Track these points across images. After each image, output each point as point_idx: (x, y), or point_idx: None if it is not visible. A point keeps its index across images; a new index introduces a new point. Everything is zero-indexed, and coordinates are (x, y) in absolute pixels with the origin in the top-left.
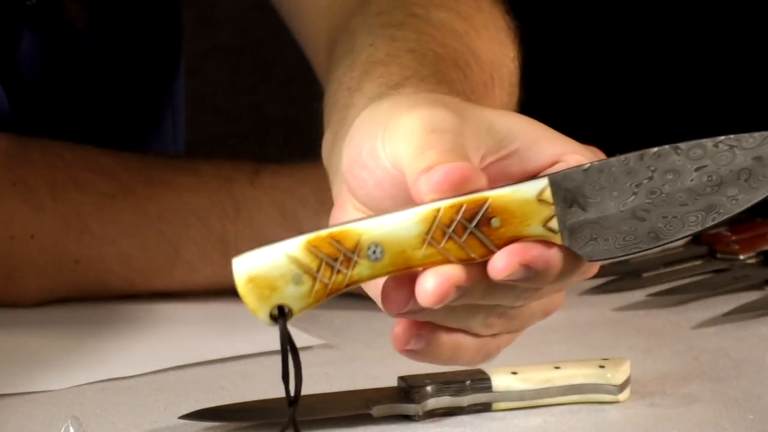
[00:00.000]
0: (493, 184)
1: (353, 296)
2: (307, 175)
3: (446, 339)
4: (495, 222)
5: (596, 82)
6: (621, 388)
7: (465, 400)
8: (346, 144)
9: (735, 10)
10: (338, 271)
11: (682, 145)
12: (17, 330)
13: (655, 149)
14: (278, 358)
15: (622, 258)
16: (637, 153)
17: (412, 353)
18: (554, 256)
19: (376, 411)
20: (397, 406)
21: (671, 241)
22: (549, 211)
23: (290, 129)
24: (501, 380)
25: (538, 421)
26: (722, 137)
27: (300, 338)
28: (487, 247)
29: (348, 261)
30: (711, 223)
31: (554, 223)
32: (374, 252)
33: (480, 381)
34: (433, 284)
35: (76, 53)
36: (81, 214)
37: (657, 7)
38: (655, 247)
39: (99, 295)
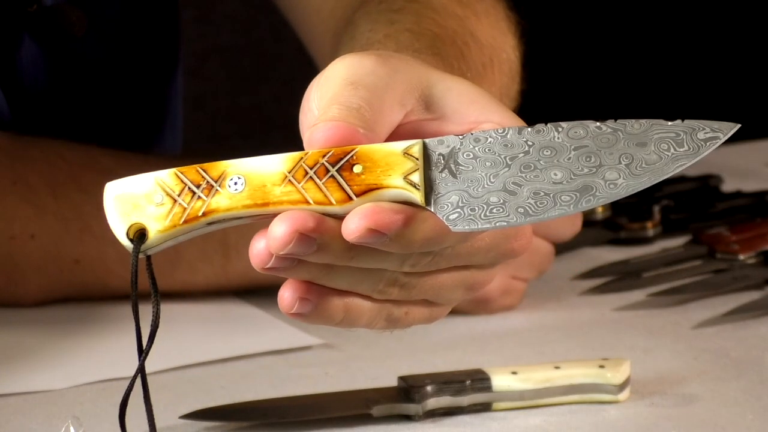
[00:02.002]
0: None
1: None
2: None
3: (337, 302)
4: (357, 168)
5: (597, 76)
6: (621, 388)
7: (465, 400)
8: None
9: (735, 10)
10: (198, 197)
11: (564, 124)
12: (17, 330)
13: (537, 125)
14: (279, 358)
15: (486, 229)
16: (517, 127)
17: (300, 316)
18: (407, 220)
19: (376, 411)
20: (397, 406)
21: (541, 219)
22: (413, 164)
23: (290, 129)
24: (501, 380)
25: (538, 421)
26: (608, 120)
27: (300, 338)
28: (345, 192)
29: (209, 189)
30: (585, 206)
31: (416, 177)
32: (235, 183)
33: (480, 381)
34: (280, 228)
35: (76, 59)
36: (81, 214)
37: (659, 3)
38: (524, 223)
39: (99, 295)
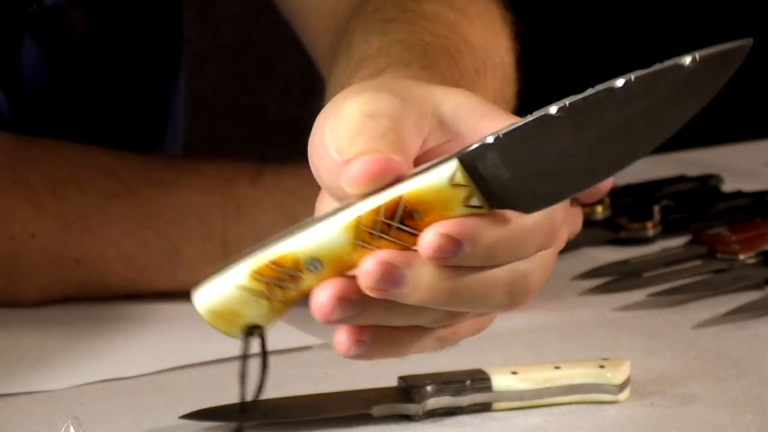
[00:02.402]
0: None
1: None
2: (308, 175)
3: (390, 337)
4: (417, 214)
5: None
6: (621, 388)
7: (465, 400)
8: (311, 134)
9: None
10: (288, 288)
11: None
12: (17, 330)
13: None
14: (278, 358)
15: (560, 201)
16: (560, 110)
17: (357, 357)
18: (476, 222)
19: (376, 411)
20: (397, 406)
21: (610, 174)
22: (465, 191)
23: (290, 129)
24: (501, 380)
25: (538, 421)
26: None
27: (300, 338)
28: (417, 236)
29: (293, 278)
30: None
31: (475, 201)
32: (314, 265)
33: (480, 381)
34: (320, 299)
35: (77, 60)
36: (82, 214)
37: (656, 5)
38: (593, 183)
39: (100, 294)
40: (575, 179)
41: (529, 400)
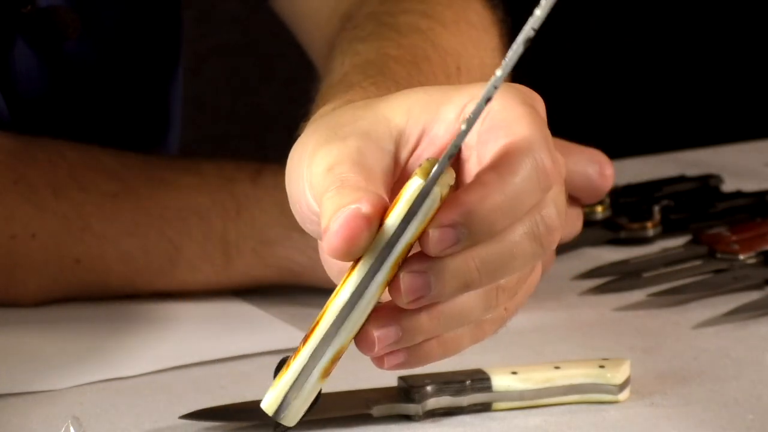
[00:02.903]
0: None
1: None
2: None
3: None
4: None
5: (597, 77)
6: (621, 388)
7: (465, 400)
8: (291, 200)
9: (735, 10)
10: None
11: None
12: (17, 330)
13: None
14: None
15: None
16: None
17: (398, 366)
18: (460, 206)
19: (376, 411)
20: (397, 406)
21: None
22: (448, 190)
23: (290, 129)
24: (501, 380)
25: (538, 421)
26: None
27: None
28: None
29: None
30: None
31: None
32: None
33: (480, 381)
34: (366, 343)
35: (71, 62)
36: (82, 213)
37: (656, 5)
38: None
39: (100, 294)
40: None
41: (529, 400)
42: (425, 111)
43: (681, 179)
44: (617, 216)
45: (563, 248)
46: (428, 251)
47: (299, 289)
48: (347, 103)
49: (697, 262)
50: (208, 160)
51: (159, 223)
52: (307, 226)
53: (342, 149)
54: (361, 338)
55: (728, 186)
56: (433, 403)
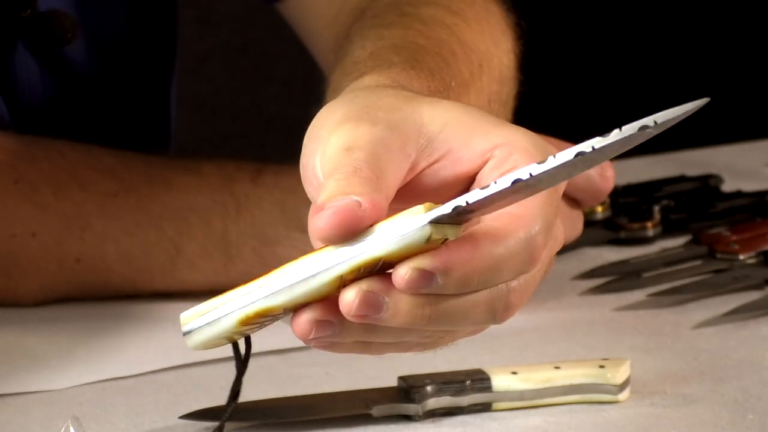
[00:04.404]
0: (426, 191)
1: None
2: None
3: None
4: (395, 262)
5: (597, 77)
6: (621, 388)
7: (465, 400)
8: (301, 160)
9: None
10: (277, 318)
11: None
12: (17, 330)
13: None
14: (278, 358)
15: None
16: (513, 186)
17: (320, 343)
18: (448, 255)
19: (376, 411)
20: (397, 406)
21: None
22: (441, 240)
23: (290, 129)
24: (501, 380)
25: (538, 421)
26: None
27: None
28: None
29: (282, 314)
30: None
31: (450, 237)
32: (301, 304)
33: (480, 381)
34: (298, 322)
35: (70, 65)
36: (83, 213)
37: (656, 5)
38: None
39: (100, 294)
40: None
41: (529, 400)
42: (459, 132)
43: (681, 179)
44: (617, 216)
45: (563, 248)
46: (396, 282)
47: None
48: (393, 81)
49: (697, 262)
50: (208, 160)
51: (159, 222)
52: (307, 187)
53: (367, 134)
54: (299, 319)
55: (728, 186)
56: (433, 403)
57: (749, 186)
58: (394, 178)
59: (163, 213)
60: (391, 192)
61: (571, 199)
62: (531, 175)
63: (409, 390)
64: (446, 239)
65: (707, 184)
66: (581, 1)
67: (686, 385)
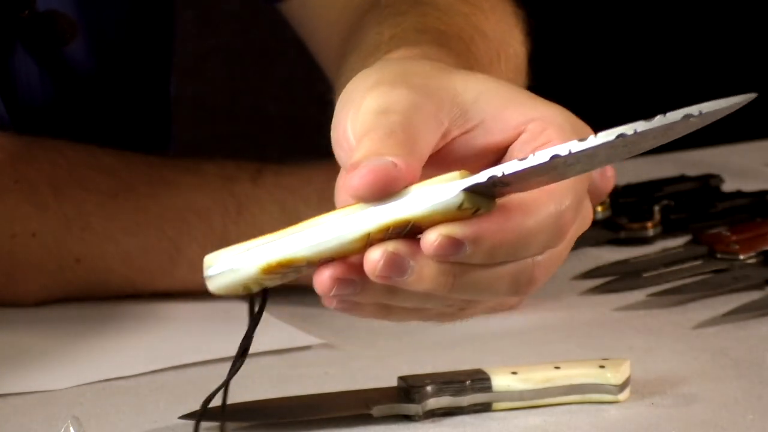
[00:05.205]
0: (457, 159)
1: None
2: (309, 174)
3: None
4: (424, 227)
5: (597, 76)
6: (621, 388)
7: (465, 400)
8: (333, 123)
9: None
10: (300, 271)
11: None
12: (17, 330)
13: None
14: (278, 358)
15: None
16: (551, 161)
17: (341, 304)
18: (479, 224)
19: (376, 411)
20: (397, 406)
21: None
22: (473, 209)
23: (290, 129)
24: (501, 380)
25: (538, 421)
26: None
27: (300, 338)
28: None
29: (306, 267)
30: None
31: (482, 210)
32: (325, 259)
33: (480, 381)
34: (321, 278)
35: (70, 66)
36: (83, 213)
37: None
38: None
39: (100, 294)
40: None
41: (529, 400)
42: (493, 103)
43: (681, 179)
44: (617, 216)
45: None
46: (424, 247)
47: (299, 289)
48: (424, 54)
49: (697, 262)
50: (208, 160)
51: (159, 222)
52: (337, 150)
53: (402, 98)
54: (321, 275)
55: (728, 186)
56: (433, 403)
57: (749, 186)
58: (427, 144)
59: (163, 213)
60: (424, 157)
61: None
62: (570, 152)
63: (409, 390)
64: (478, 210)
65: (707, 184)
66: (583, 1)
67: (686, 385)
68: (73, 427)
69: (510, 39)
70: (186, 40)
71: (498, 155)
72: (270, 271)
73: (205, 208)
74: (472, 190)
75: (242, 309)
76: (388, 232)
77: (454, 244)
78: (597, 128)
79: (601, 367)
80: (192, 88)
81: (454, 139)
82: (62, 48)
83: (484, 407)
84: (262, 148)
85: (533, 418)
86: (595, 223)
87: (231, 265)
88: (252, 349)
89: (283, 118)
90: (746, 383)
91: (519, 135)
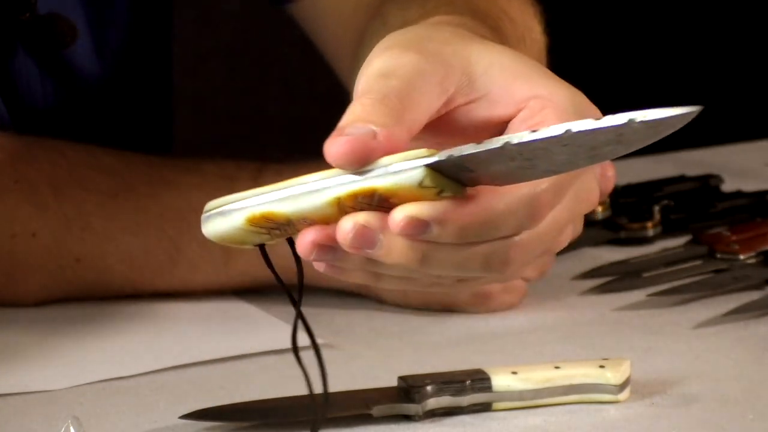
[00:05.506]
0: (458, 129)
1: (354, 296)
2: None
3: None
4: (394, 200)
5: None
6: (621, 388)
7: (465, 400)
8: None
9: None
10: (284, 232)
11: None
12: (17, 330)
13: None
14: (279, 358)
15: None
16: (501, 148)
17: (330, 269)
18: (445, 207)
19: (376, 411)
20: (397, 406)
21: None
22: (436, 189)
23: (290, 129)
24: (501, 380)
25: (538, 421)
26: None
27: (300, 338)
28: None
29: (287, 226)
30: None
31: (446, 193)
32: (304, 220)
33: (480, 381)
34: (301, 241)
35: (71, 69)
36: (83, 212)
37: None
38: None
39: (100, 293)
40: (535, 176)
41: (529, 400)
42: (502, 75)
43: (681, 179)
44: (617, 216)
45: (563, 248)
46: (390, 225)
47: None
48: (460, 21)
49: (697, 262)
50: (209, 160)
51: (159, 222)
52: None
53: (408, 62)
54: (303, 238)
55: (728, 186)
56: (433, 403)
57: (749, 186)
58: (425, 109)
59: (163, 213)
60: (417, 123)
61: None
62: (520, 141)
63: (409, 390)
64: (442, 191)
65: (707, 184)
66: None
67: (686, 385)
68: (73, 427)
69: (533, 25)
70: (186, 40)
71: (500, 130)
72: (254, 222)
73: None
74: (435, 169)
75: (242, 309)
76: (357, 200)
77: (419, 225)
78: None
79: (601, 367)
80: (192, 88)
81: (458, 108)
82: (63, 51)
83: (484, 407)
84: (262, 148)
85: (533, 418)
86: (595, 223)
87: (221, 209)
88: (252, 349)
89: (283, 118)
90: (746, 383)
91: (520, 111)
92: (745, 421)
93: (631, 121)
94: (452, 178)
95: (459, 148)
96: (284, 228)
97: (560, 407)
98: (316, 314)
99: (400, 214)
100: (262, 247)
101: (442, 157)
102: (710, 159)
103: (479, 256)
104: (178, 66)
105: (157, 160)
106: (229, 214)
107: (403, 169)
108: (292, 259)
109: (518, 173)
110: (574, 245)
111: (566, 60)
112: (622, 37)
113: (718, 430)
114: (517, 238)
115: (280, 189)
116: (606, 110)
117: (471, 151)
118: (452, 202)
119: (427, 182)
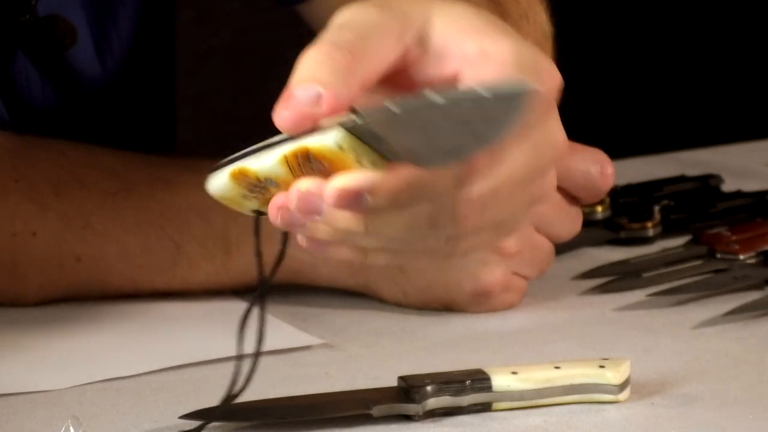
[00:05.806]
0: (413, 84)
1: (354, 296)
2: None
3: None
4: (326, 163)
5: (599, 76)
6: (621, 388)
7: (465, 400)
8: None
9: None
10: (264, 194)
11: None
12: (17, 329)
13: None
14: (278, 358)
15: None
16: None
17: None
18: (371, 176)
19: (376, 411)
20: (397, 406)
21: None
22: (354, 154)
23: None
24: (501, 380)
25: (538, 421)
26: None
27: (300, 338)
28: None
29: (262, 188)
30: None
31: (366, 162)
32: (271, 183)
33: (480, 381)
34: (271, 207)
35: (72, 71)
36: (83, 212)
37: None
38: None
39: (101, 293)
40: (438, 156)
41: (529, 400)
42: (457, 31)
43: (681, 179)
44: (617, 216)
45: (563, 248)
46: (326, 198)
47: (299, 289)
48: None
49: (697, 262)
50: (209, 160)
51: (160, 221)
52: None
53: (366, 16)
54: (272, 203)
55: (728, 186)
56: (433, 403)
57: (749, 186)
58: (379, 62)
59: (163, 212)
60: (369, 76)
61: (570, 196)
62: (358, 111)
63: (409, 390)
64: (361, 160)
65: (707, 184)
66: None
67: (686, 385)
68: (73, 427)
69: (537, 9)
70: (186, 40)
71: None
72: (235, 177)
73: (206, 207)
74: (353, 133)
75: (242, 309)
76: (299, 160)
77: (351, 196)
78: (593, 129)
79: (601, 367)
80: (192, 88)
81: (414, 64)
82: (64, 53)
83: (484, 407)
84: None
85: (533, 418)
86: (595, 223)
87: (217, 165)
88: (251, 349)
89: None
90: (746, 383)
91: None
92: (745, 421)
93: (473, 91)
94: (373, 148)
95: (368, 112)
96: (260, 189)
97: (560, 407)
98: (317, 314)
99: (332, 189)
100: (258, 215)
101: (346, 118)
102: (710, 159)
103: (423, 216)
104: (178, 66)
105: (157, 160)
106: (219, 170)
107: (324, 127)
108: (293, 256)
109: (423, 151)
110: (574, 245)
111: (566, 60)
112: (622, 37)
113: (718, 430)
114: (466, 194)
115: (250, 148)
116: (605, 110)
117: (372, 112)
118: (377, 172)
119: (344, 145)
